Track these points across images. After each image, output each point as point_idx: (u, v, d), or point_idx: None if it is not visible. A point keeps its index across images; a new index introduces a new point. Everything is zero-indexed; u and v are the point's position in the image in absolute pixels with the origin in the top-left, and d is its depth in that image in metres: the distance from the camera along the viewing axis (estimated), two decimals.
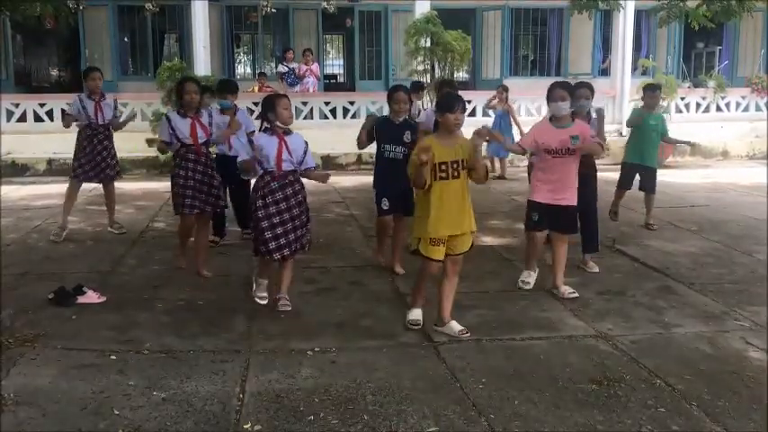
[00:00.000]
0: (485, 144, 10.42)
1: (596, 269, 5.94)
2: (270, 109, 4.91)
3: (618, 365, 4.03)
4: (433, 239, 4.44)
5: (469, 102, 13.88)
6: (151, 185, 10.38)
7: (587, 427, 3.34)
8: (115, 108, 7.42)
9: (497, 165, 11.34)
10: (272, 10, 14.05)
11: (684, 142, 8.67)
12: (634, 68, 14.79)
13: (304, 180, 5.10)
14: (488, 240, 7.09)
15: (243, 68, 20.63)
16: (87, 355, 4.14)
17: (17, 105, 12.83)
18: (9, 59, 15.64)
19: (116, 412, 3.44)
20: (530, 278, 5.48)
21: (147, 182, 10.89)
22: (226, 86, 6.96)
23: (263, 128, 5.05)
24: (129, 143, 10.21)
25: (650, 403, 3.56)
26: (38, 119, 12.76)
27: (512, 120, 11.32)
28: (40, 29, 15.35)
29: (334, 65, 24.96)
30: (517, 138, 9.34)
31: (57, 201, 9.35)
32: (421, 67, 12.65)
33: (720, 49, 17.37)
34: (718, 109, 14.81)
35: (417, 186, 4.51)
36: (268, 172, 4.91)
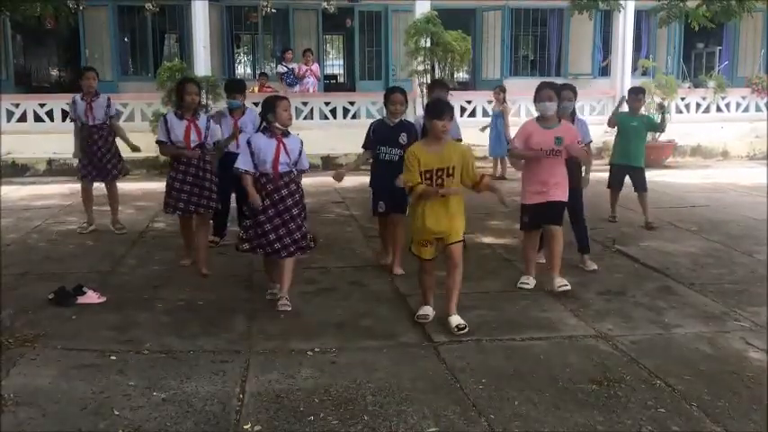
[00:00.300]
0: (485, 144, 10.43)
1: (594, 266, 5.95)
2: (269, 110, 4.94)
3: (618, 366, 4.03)
4: (421, 241, 4.61)
5: (469, 102, 13.91)
6: (151, 185, 10.37)
7: (587, 427, 3.34)
8: (108, 107, 7.36)
9: (498, 165, 11.35)
10: (272, 10, 14.04)
11: (662, 115, 8.86)
12: (634, 69, 14.78)
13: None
14: (488, 240, 7.09)
15: (243, 69, 20.63)
16: (87, 356, 4.14)
17: (17, 105, 12.83)
18: (9, 59, 15.63)
19: (116, 412, 3.44)
20: (529, 281, 5.50)
21: (147, 182, 10.89)
22: (234, 86, 6.99)
23: (262, 128, 5.06)
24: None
25: (650, 404, 3.56)
26: (38, 119, 12.76)
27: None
28: (40, 29, 15.34)
29: (335, 65, 24.95)
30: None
31: (57, 201, 9.39)
32: (421, 68, 12.65)
33: (720, 50, 17.37)
34: (719, 109, 14.81)
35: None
36: (264, 174, 4.93)
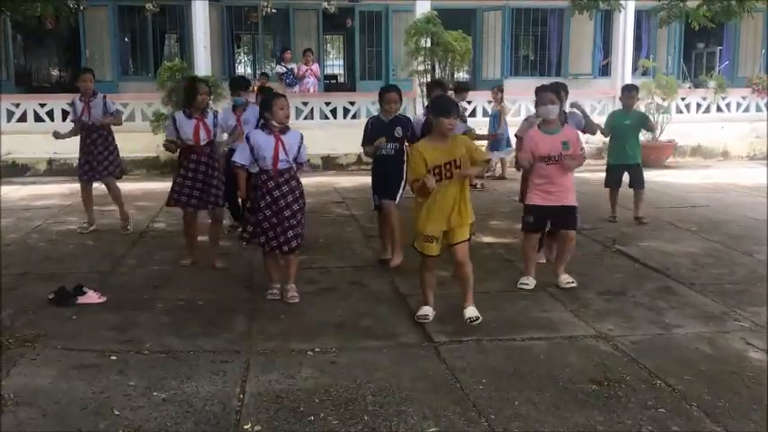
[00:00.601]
0: (483, 144, 10.41)
1: (543, 260, 5.94)
2: (267, 108, 5.03)
3: (618, 366, 4.03)
4: (425, 236, 4.56)
5: (470, 102, 13.89)
6: (151, 185, 10.38)
7: (587, 427, 3.33)
8: (104, 105, 7.40)
9: (498, 165, 11.35)
10: (273, 10, 14.03)
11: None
12: (634, 69, 14.78)
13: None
14: (488, 240, 7.09)
15: (243, 69, 20.64)
16: (87, 356, 4.14)
17: (17, 105, 12.82)
18: (9, 59, 15.63)
19: (116, 413, 3.44)
20: (528, 281, 5.50)
21: (147, 182, 10.89)
22: (238, 84, 7.25)
23: (261, 125, 5.12)
24: (129, 143, 10.18)
25: (650, 404, 3.56)
26: (38, 119, 12.75)
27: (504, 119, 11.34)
28: (40, 29, 15.36)
29: (335, 65, 24.95)
30: (512, 137, 9.41)
31: (57, 201, 9.39)
32: (421, 68, 12.65)
33: (721, 50, 17.35)
34: (719, 109, 14.79)
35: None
36: (264, 171, 4.98)
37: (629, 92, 7.97)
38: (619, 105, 8.76)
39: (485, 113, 13.13)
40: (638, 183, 7.83)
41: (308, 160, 5.44)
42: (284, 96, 5.20)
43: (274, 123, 4.98)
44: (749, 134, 14.49)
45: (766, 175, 10.59)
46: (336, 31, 20.47)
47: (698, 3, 8.80)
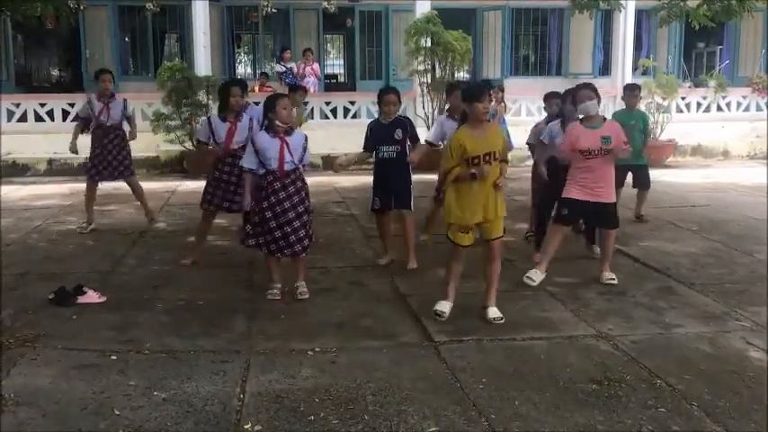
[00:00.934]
0: None
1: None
2: (270, 108, 5.02)
3: (618, 365, 4.03)
4: (461, 227, 4.60)
5: None
6: (151, 185, 10.34)
7: (588, 427, 3.33)
8: (124, 108, 7.53)
9: None
10: (273, 10, 14.03)
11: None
12: (635, 68, 14.78)
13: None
14: None
15: (243, 68, 20.63)
16: (87, 356, 4.13)
17: (18, 105, 12.82)
18: (10, 59, 15.63)
19: (116, 412, 3.44)
20: (536, 276, 5.43)
21: (147, 182, 10.79)
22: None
23: (264, 126, 5.11)
24: (130, 143, 10.17)
25: (651, 403, 3.56)
26: (38, 119, 12.76)
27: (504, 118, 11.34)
28: (40, 29, 15.34)
29: (335, 65, 24.93)
30: (512, 137, 9.38)
31: (57, 201, 9.38)
32: (422, 67, 12.65)
33: (721, 49, 17.35)
34: (719, 109, 14.78)
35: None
36: (270, 172, 4.96)
37: (633, 91, 7.91)
38: (620, 105, 8.75)
39: None
40: (644, 184, 7.78)
41: (309, 163, 5.43)
42: (287, 96, 5.22)
43: (278, 123, 4.98)
44: (749, 133, 14.48)
45: (766, 175, 10.58)
46: (336, 31, 20.48)
47: (698, 2, 8.79)
